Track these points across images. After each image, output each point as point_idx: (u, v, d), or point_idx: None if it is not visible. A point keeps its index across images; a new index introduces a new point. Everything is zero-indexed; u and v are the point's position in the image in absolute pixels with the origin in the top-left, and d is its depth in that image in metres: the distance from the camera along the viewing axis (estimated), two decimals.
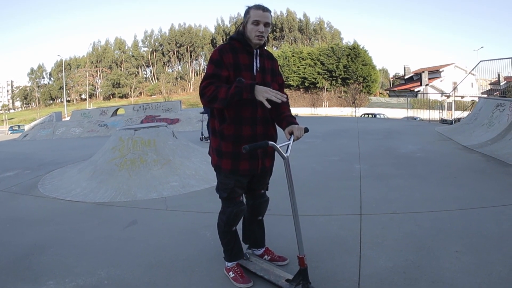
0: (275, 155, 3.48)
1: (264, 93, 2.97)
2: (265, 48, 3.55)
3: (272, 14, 3.42)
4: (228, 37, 3.50)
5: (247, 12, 3.33)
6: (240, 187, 3.49)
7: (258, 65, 3.40)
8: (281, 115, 3.49)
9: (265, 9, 3.31)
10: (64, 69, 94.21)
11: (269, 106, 2.99)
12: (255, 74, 3.36)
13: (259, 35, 3.28)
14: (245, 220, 3.90)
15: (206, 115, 8.20)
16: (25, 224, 5.77)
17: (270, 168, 3.66)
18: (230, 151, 3.35)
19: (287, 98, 3.37)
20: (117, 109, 31.55)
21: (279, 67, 3.77)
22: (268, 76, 3.48)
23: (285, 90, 3.74)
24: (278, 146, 3.11)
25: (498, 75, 19.37)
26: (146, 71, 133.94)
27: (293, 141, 3.28)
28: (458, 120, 22.16)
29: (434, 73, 65.70)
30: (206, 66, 3.38)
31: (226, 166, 3.39)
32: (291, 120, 3.43)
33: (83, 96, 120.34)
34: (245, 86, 3.00)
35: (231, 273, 3.65)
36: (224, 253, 3.73)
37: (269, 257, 3.90)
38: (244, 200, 3.75)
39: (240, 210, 3.54)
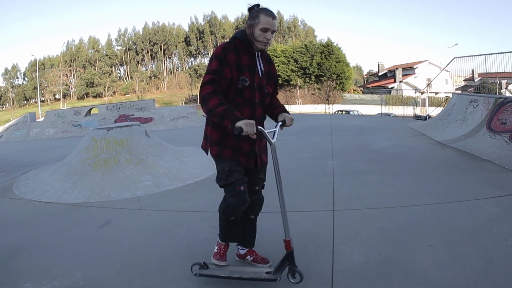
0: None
1: (245, 128, 2.96)
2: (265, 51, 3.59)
3: (246, 13, 3.42)
4: (231, 36, 3.44)
5: (257, 16, 3.30)
6: (237, 171, 3.43)
7: (262, 68, 3.47)
8: (274, 110, 3.66)
9: (274, 17, 3.34)
10: (38, 69, 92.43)
11: (254, 137, 3.09)
12: (260, 76, 3.43)
13: (266, 42, 3.34)
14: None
15: None
16: (0, 227, 5.71)
17: (266, 163, 3.69)
18: (232, 144, 3.41)
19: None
20: (91, 109, 31.24)
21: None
22: (265, 79, 3.51)
23: None
24: (265, 132, 3.21)
25: (473, 71, 19.67)
26: (120, 70, 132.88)
27: (282, 128, 3.45)
28: (429, 117, 22.37)
29: (408, 69, 66.49)
30: (207, 62, 3.39)
31: (227, 153, 3.41)
32: (284, 110, 3.64)
33: (57, 96, 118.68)
34: (230, 116, 3.01)
35: (216, 247, 3.71)
36: (219, 231, 3.74)
37: (252, 257, 3.85)
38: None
39: (240, 204, 3.43)
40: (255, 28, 3.27)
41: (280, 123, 3.45)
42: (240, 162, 3.42)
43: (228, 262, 3.66)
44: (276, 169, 3.27)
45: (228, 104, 3.11)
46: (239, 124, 2.93)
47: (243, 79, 3.18)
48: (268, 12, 3.29)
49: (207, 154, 3.57)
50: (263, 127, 3.45)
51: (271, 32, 3.31)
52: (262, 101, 3.49)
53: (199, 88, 3.31)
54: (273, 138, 3.27)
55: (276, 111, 3.63)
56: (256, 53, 3.41)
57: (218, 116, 3.04)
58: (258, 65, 3.42)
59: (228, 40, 3.47)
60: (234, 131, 2.96)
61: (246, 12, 3.42)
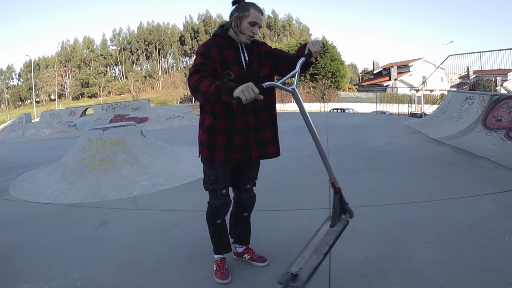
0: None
1: (243, 96, 2.71)
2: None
3: None
4: (212, 34, 3.41)
5: (247, 9, 3.27)
6: (223, 179, 3.46)
7: (247, 57, 3.39)
8: (295, 58, 3.39)
9: (262, 12, 3.36)
10: (33, 69, 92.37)
11: (261, 97, 2.83)
12: (244, 67, 3.35)
13: (252, 35, 3.31)
14: (232, 215, 3.87)
15: None
16: None
17: (257, 160, 3.63)
18: (224, 144, 3.33)
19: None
20: (86, 109, 31.08)
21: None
22: (255, 65, 3.42)
23: None
24: (278, 83, 3.01)
25: (468, 69, 19.64)
26: (114, 70, 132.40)
27: (312, 59, 3.20)
28: (424, 114, 22.40)
29: (403, 67, 66.49)
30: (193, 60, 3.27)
31: (220, 158, 3.36)
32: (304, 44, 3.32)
33: (52, 97, 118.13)
34: (224, 88, 2.83)
35: (214, 265, 3.67)
36: (212, 244, 3.72)
37: (249, 256, 3.87)
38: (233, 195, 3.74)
39: (222, 204, 3.49)
40: (243, 20, 3.25)
41: (302, 58, 3.14)
42: (233, 161, 3.40)
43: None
44: (305, 115, 3.12)
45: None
46: (236, 94, 2.70)
47: (227, 73, 3.01)
48: (257, 7, 3.30)
49: (199, 157, 3.55)
50: (269, 115, 3.49)
51: (258, 27, 3.30)
52: None
53: (187, 85, 3.24)
54: (294, 83, 3.05)
55: (299, 50, 3.34)
56: (240, 45, 3.37)
57: (214, 95, 2.86)
58: (242, 56, 3.36)
59: (199, 45, 3.40)
60: (234, 105, 2.76)
61: None
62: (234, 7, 3.36)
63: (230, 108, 3.22)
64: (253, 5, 3.29)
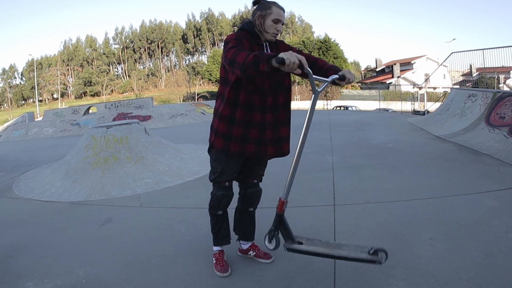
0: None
1: (287, 59, 2.69)
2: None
3: (243, 9, 3.38)
4: (237, 28, 3.41)
5: (269, 7, 3.29)
6: (229, 172, 3.51)
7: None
8: (323, 67, 3.43)
9: (284, 10, 3.36)
10: (36, 68, 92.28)
11: (299, 72, 2.92)
12: None
13: (276, 33, 3.33)
14: (237, 210, 3.88)
15: None
16: (1, 226, 5.70)
17: (272, 157, 3.62)
18: (239, 135, 3.33)
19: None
20: (89, 108, 31.20)
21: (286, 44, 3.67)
22: None
23: None
24: (313, 75, 3.04)
25: (470, 66, 19.66)
26: (117, 68, 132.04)
27: (342, 84, 3.27)
28: (427, 112, 22.37)
29: (406, 65, 66.35)
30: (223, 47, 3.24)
31: (234, 149, 3.36)
32: (337, 68, 3.36)
33: (55, 96, 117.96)
34: (263, 57, 2.81)
35: (213, 258, 3.71)
36: (212, 235, 3.75)
37: (254, 252, 3.87)
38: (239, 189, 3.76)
39: (223, 196, 3.55)
40: (267, 18, 3.26)
41: (336, 76, 3.16)
42: (246, 154, 3.39)
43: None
44: (307, 123, 3.20)
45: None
46: (281, 55, 2.68)
47: (260, 52, 3.00)
48: (278, 5, 3.31)
49: (209, 146, 3.54)
50: (286, 116, 3.59)
51: (281, 24, 3.32)
52: (274, 89, 3.40)
53: (223, 59, 3.18)
54: (321, 88, 3.14)
55: (326, 67, 3.40)
56: (264, 43, 3.39)
57: (252, 65, 2.82)
58: None
59: (228, 35, 3.38)
60: (275, 65, 2.71)
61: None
62: (255, 6, 3.38)
63: (252, 101, 3.25)
64: (274, 3, 3.32)
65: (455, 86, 19.29)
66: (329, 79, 3.14)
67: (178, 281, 3.55)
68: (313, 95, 3.12)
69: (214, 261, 3.68)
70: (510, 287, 3.02)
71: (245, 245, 3.90)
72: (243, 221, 3.83)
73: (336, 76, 3.17)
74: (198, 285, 3.46)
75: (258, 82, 3.27)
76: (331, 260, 3.65)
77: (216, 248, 3.73)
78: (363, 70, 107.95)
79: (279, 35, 3.37)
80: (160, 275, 3.70)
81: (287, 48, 3.54)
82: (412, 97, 38.40)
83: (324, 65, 3.43)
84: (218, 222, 3.65)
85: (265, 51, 3.35)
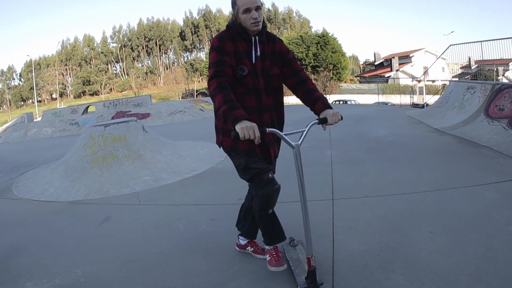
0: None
1: (244, 131, 2.69)
2: (267, 31, 3.41)
3: None
4: (226, 26, 3.35)
5: (234, 2, 3.21)
6: (255, 163, 3.28)
7: (259, 52, 3.29)
8: (314, 104, 3.31)
9: None
10: (34, 69, 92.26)
11: (258, 142, 2.78)
12: (254, 62, 3.25)
13: (254, 22, 3.16)
14: (243, 208, 3.82)
15: None
16: (1, 227, 5.71)
17: (275, 158, 3.57)
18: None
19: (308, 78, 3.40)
20: (88, 107, 31.28)
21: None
22: (268, 62, 3.35)
23: None
24: (282, 134, 2.96)
25: (469, 58, 19.62)
26: (115, 67, 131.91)
27: (324, 128, 3.16)
28: (426, 105, 22.36)
29: (405, 58, 66.39)
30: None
31: (243, 146, 3.24)
32: (327, 105, 3.26)
33: (53, 96, 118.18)
34: (230, 116, 2.78)
35: (267, 256, 3.52)
36: (262, 236, 3.56)
37: (252, 248, 3.85)
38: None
39: (273, 191, 3.28)
40: (239, 14, 3.17)
41: (315, 121, 3.09)
42: (256, 154, 3.27)
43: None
44: (299, 179, 3.06)
45: (232, 99, 2.91)
46: (237, 128, 2.68)
47: (241, 68, 3.08)
48: None
49: (220, 147, 3.45)
50: (278, 115, 3.47)
51: (255, 10, 3.13)
52: (268, 87, 3.34)
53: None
54: (299, 139, 2.98)
55: (317, 106, 3.27)
56: (253, 38, 3.27)
57: (222, 119, 2.88)
58: (253, 51, 3.26)
59: (214, 36, 3.34)
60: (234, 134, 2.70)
61: None
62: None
63: (244, 103, 3.16)
64: None
65: (454, 79, 19.26)
66: (305, 129, 3.05)
67: (176, 279, 3.54)
68: (293, 150, 2.98)
69: (268, 258, 3.47)
70: (511, 281, 2.99)
71: (244, 241, 3.88)
72: (248, 219, 3.76)
73: (315, 121, 3.11)
74: (196, 282, 3.45)
75: (250, 83, 3.23)
76: (329, 255, 3.67)
77: (268, 247, 3.55)
78: (362, 64, 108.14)
79: (268, 24, 3.28)
80: (159, 273, 3.69)
81: (284, 49, 3.45)
82: (411, 90, 38.42)
83: (313, 93, 3.35)
84: (270, 221, 3.46)
85: (252, 47, 3.27)
